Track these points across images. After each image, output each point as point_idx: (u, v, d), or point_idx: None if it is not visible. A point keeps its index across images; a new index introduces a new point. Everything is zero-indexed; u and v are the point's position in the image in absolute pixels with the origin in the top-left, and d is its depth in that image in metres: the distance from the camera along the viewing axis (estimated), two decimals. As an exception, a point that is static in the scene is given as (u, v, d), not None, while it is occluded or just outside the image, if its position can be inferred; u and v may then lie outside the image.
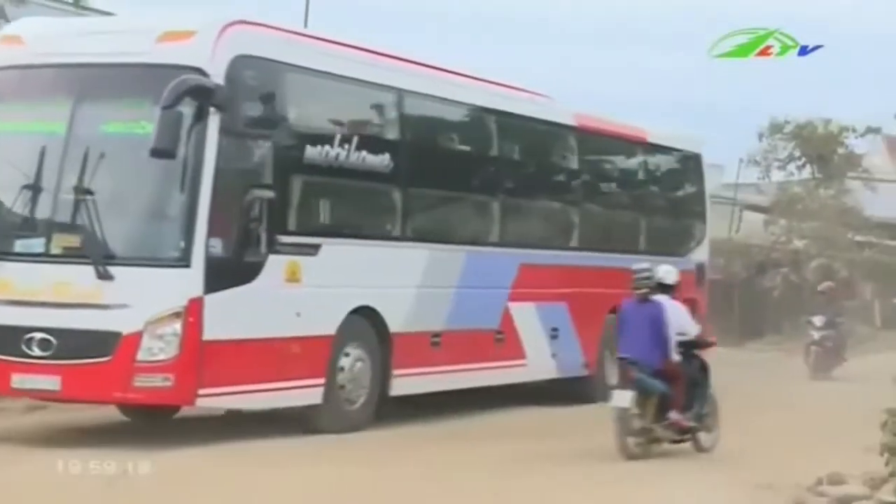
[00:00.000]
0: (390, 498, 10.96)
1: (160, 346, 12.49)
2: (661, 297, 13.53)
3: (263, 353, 13.24)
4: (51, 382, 12.68)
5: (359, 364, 14.40)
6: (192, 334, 12.51)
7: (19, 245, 13.05)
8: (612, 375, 18.61)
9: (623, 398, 12.97)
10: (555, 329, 17.69)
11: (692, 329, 13.77)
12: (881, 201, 41.19)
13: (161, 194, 13.00)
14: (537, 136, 18.29)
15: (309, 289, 13.72)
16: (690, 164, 21.60)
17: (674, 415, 13.27)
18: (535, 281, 17.19)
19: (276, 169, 13.50)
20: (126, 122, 13.03)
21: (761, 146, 40.73)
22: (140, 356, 12.48)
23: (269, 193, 13.31)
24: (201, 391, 12.71)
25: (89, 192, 12.71)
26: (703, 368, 13.75)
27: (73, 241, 12.84)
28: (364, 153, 14.56)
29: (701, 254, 21.30)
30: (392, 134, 15.44)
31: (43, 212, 13.02)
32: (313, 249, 13.86)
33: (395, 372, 14.85)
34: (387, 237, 15.19)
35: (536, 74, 66.13)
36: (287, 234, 13.55)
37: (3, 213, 13.29)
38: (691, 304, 20.11)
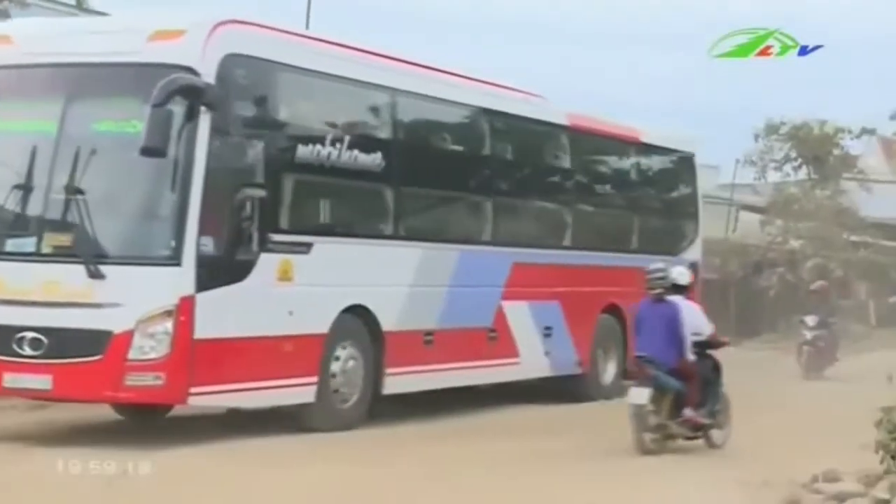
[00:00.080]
0: (393, 496, 10.86)
1: (151, 345, 12.35)
2: (676, 298, 13.70)
3: (255, 351, 13.11)
4: (42, 382, 12.55)
5: (351, 362, 14.28)
6: (184, 333, 12.38)
7: (10, 244, 12.92)
8: (606, 374, 18.83)
9: (640, 395, 13.15)
10: (548, 327, 17.55)
11: (706, 329, 13.97)
12: (876, 202, 41.32)
13: (152, 193, 12.86)
14: (530, 135, 18.16)
15: (301, 287, 13.59)
16: (683, 164, 21.46)
17: (688, 412, 13.45)
18: (528, 280, 17.07)
19: (268, 168, 13.38)
20: (117, 121, 12.90)
21: (757, 147, 40.98)
22: (131, 355, 12.35)
23: (261, 192, 13.19)
24: (193, 390, 12.57)
25: (80, 192, 12.58)
26: (716, 367, 13.99)
27: (64, 240, 12.71)
28: (356, 152, 14.43)
29: (694, 253, 21.08)
30: (384, 133, 15.32)
31: (34, 211, 12.91)
32: (305, 248, 13.73)
33: (388, 370, 14.72)
34: (379, 236, 15.05)
35: (535, 75, 66.21)
36: (279, 232, 13.42)
37: (-6, 212, 13.15)
38: (684, 303, 20.18)
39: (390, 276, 14.90)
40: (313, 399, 13.81)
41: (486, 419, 15.98)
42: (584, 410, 17.42)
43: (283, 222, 13.61)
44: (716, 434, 13.82)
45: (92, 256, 12.45)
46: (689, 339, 13.54)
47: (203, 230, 12.50)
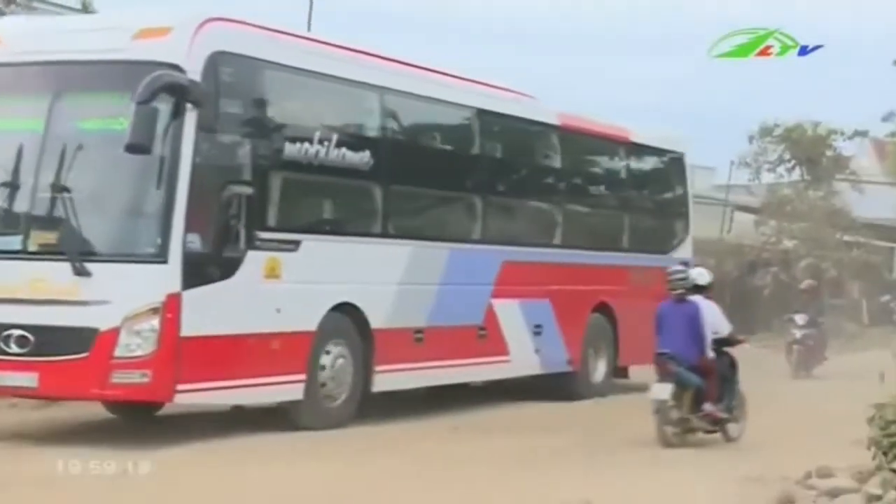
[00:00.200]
0: (386, 493, 10.66)
1: (138, 343, 12.11)
2: (696, 297, 14.03)
3: (243, 349, 12.88)
4: (28, 379, 12.29)
5: (340, 360, 14.05)
6: (170, 330, 12.14)
7: (-4, 242, 12.65)
8: (597, 372, 18.63)
9: (662, 391, 13.48)
10: (538, 325, 17.30)
11: (725, 327, 14.34)
12: (868, 202, 41.28)
13: (138, 191, 12.59)
14: (520, 134, 17.92)
15: (289, 285, 13.35)
16: (674, 164, 21.19)
17: (708, 406, 13.74)
18: (518, 278, 16.83)
19: (255, 165, 13.16)
20: (103, 118, 12.66)
21: (752, 149, 40.97)
22: (117, 352, 12.11)
23: (248, 190, 12.96)
24: (179, 387, 12.34)
25: (67, 189, 12.37)
26: (733, 364, 14.35)
27: (51, 237, 12.49)
28: (345, 150, 14.20)
29: (684, 252, 20.79)
30: (373, 131, 15.09)
31: (20, 209, 12.68)
32: (293, 246, 13.49)
33: (378, 368, 14.50)
34: (368, 234, 14.81)
35: (534, 77, 66.02)
36: (266, 230, 13.18)
37: (-19, 210, 12.90)
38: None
39: (379, 274, 14.66)
40: (302, 397, 13.58)
41: (477, 417, 15.76)
42: (576, 408, 17.25)
43: (271, 220, 13.37)
44: (732, 428, 14.13)
45: (78, 254, 12.21)
46: (709, 337, 13.85)
47: (189, 227, 12.26)
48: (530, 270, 17.15)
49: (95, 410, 14.23)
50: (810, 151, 40.44)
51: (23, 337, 12.25)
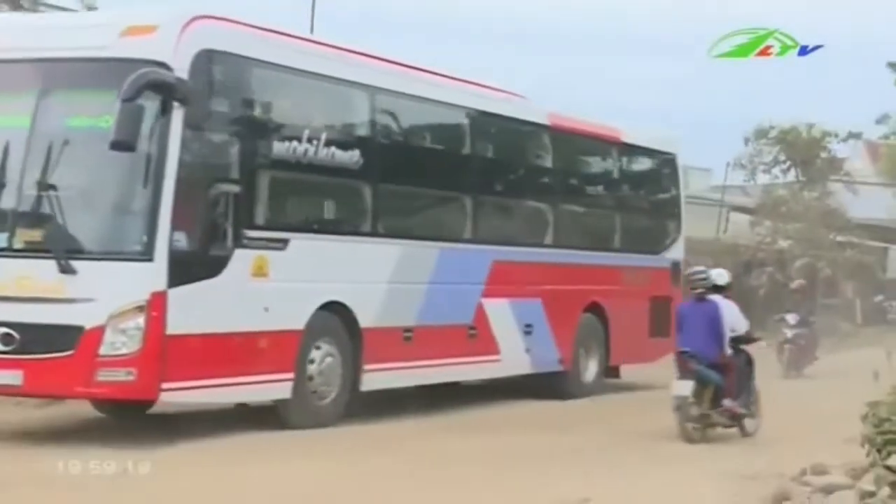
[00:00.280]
0: (378, 492, 10.49)
1: (123, 341, 11.88)
2: (715, 297, 14.26)
3: (230, 347, 12.65)
4: (13, 377, 12.04)
5: (329, 359, 13.84)
6: (156, 328, 11.91)
7: (-18, 240, 12.42)
8: (588, 371, 18.45)
9: (683, 387, 13.68)
10: (529, 325, 17.07)
11: (742, 326, 14.53)
12: (862, 203, 41.67)
13: (124, 188, 12.37)
14: (511, 134, 17.69)
15: (277, 283, 13.13)
16: (666, 164, 20.94)
17: (727, 402, 13.99)
18: (508, 277, 16.61)
19: (243, 164, 12.94)
20: (90, 116, 12.42)
21: (747, 150, 41.29)
22: (103, 350, 11.88)
23: (235, 188, 12.76)
24: (165, 385, 12.11)
25: (53, 187, 12.13)
26: (749, 361, 14.60)
27: (36, 235, 12.24)
28: (333, 149, 13.97)
29: (676, 252, 20.65)
30: (363, 130, 14.86)
31: (6, 206, 12.40)
32: (281, 244, 13.27)
33: (367, 367, 14.28)
34: (357, 233, 14.59)
35: (532, 78, 65.87)
36: (254, 228, 12.97)
37: (-34, 208, 12.67)
38: (666, 302, 19.75)
39: (369, 273, 14.44)
40: (289, 395, 13.37)
41: (468, 416, 15.59)
42: (569, 407, 17.08)
43: (259, 218, 13.15)
44: (749, 423, 14.36)
45: (64, 251, 11.98)
46: (728, 336, 14.08)
47: (176, 226, 12.05)
48: (521, 270, 16.93)
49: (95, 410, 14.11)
50: (805, 153, 40.69)
51: (8, 335, 12.01)
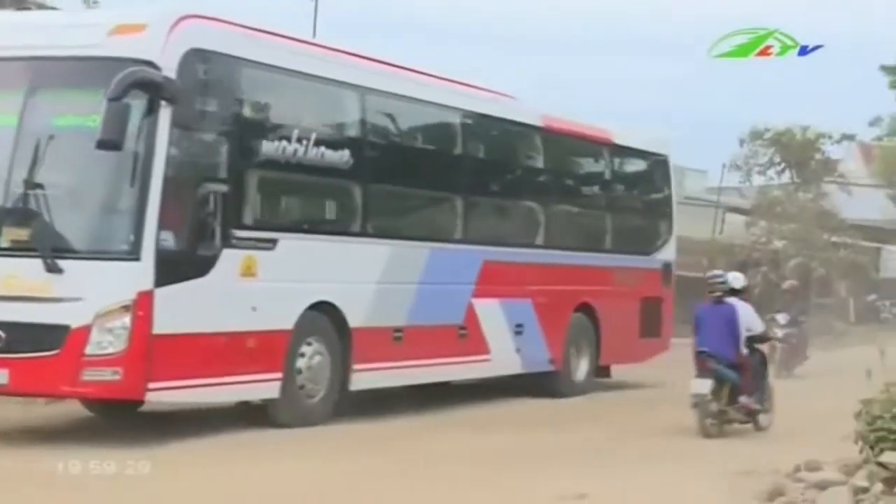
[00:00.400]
0: (370, 492, 10.29)
1: (109, 340, 11.65)
2: (732, 299, 14.67)
3: (217, 347, 12.42)
4: None
5: (317, 358, 13.63)
6: (142, 328, 11.68)
7: (-31, 239, 12.21)
8: (578, 371, 18.24)
9: (702, 386, 13.98)
10: (519, 325, 16.86)
11: (758, 326, 15.10)
12: (856, 204, 41.58)
13: (112, 187, 12.13)
14: (502, 135, 17.47)
15: (265, 283, 12.90)
16: (657, 166, 20.72)
17: (744, 399, 14.36)
18: (499, 278, 16.39)
19: (231, 163, 12.70)
20: (77, 115, 12.17)
21: (743, 152, 41.36)
22: (89, 350, 11.64)
23: (223, 188, 12.53)
24: (151, 385, 11.88)
25: (40, 186, 11.90)
26: (763, 360, 15.18)
27: (23, 234, 11.99)
28: (323, 149, 13.72)
29: (668, 253, 20.46)
30: (352, 131, 14.61)
31: (-7, 205, 12.20)
32: (270, 244, 13.03)
33: (356, 367, 14.06)
34: (347, 233, 14.34)
35: (530, 80, 65.75)
36: (242, 228, 12.74)
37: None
38: (657, 303, 19.56)
39: (358, 273, 14.21)
40: (277, 395, 13.15)
41: (458, 415, 15.41)
42: (560, 406, 16.92)
43: (247, 218, 12.93)
44: (763, 418, 14.74)
45: (50, 250, 11.74)
46: (744, 336, 14.49)
47: (163, 225, 11.83)
48: (511, 270, 16.72)
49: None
50: (799, 155, 40.74)
51: None
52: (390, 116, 15.29)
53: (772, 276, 35.31)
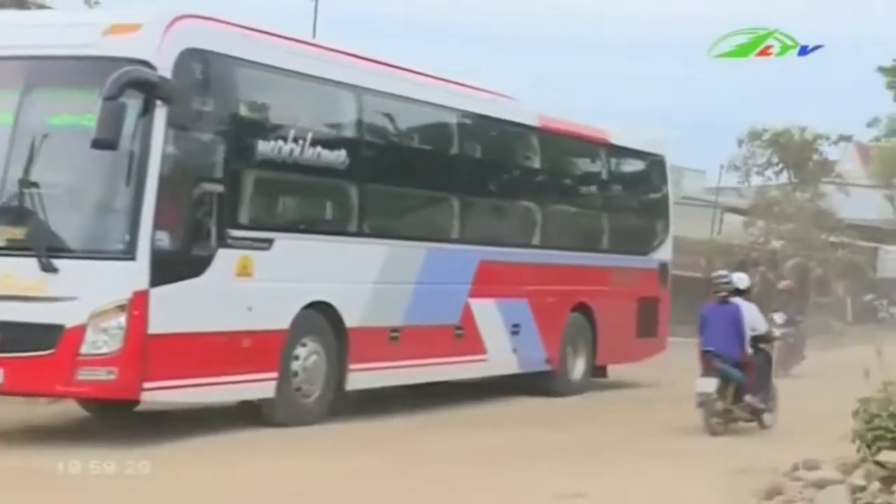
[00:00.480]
0: (369, 492, 10.22)
1: (104, 340, 11.54)
2: (737, 300, 14.80)
3: (213, 346, 12.32)
4: None
5: (314, 358, 13.53)
6: (137, 327, 11.57)
7: (-35, 238, 12.10)
8: (575, 370, 18.14)
9: (708, 384, 14.11)
10: (516, 325, 16.75)
11: (762, 326, 15.22)
12: (853, 204, 41.59)
13: (107, 187, 12.03)
14: (499, 135, 17.35)
15: (261, 283, 12.79)
16: (654, 166, 20.60)
17: (749, 398, 14.50)
18: (495, 278, 16.29)
19: (227, 163, 12.59)
20: (73, 114, 12.07)
21: (741, 153, 41.27)
22: (84, 349, 11.53)
23: (219, 187, 12.42)
24: (146, 385, 11.77)
25: (35, 185, 11.78)
26: (768, 360, 15.24)
27: (18, 233, 11.87)
28: (319, 149, 13.61)
29: (664, 253, 20.36)
30: (349, 131, 14.50)
31: (-12, 204, 12.09)
32: (266, 244, 12.94)
33: (352, 366, 13.97)
34: (344, 233, 14.24)
35: (530, 81, 65.64)
36: (238, 228, 12.63)
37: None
38: (654, 303, 19.46)
39: (355, 273, 14.11)
40: (273, 394, 13.04)
41: (454, 414, 15.34)
42: (557, 405, 16.84)
43: (243, 218, 12.82)
44: (767, 417, 14.89)
45: (45, 250, 11.63)
46: (749, 336, 14.55)
47: (158, 225, 11.72)
48: (508, 270, 16.62)
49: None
50: (797, 155, 40.68)
51: None
52: (387, 116, 15.18)
53: (769, 276, 35.28)
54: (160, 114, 11.75)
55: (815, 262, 38.03)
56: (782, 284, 26.69)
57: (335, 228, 14.31)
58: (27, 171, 11.79)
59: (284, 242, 13.11)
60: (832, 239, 39.75)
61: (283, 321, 13.07)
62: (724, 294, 14.71)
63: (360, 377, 14.07)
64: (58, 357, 11.54)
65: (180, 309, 11.90)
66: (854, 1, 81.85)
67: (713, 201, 40.18)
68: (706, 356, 14.39)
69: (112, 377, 11.55)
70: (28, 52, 12.23)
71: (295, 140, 13.28)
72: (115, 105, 11.45)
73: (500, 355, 16.47)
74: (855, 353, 20.44)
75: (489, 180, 16.93)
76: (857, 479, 9.48)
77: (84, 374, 11.56)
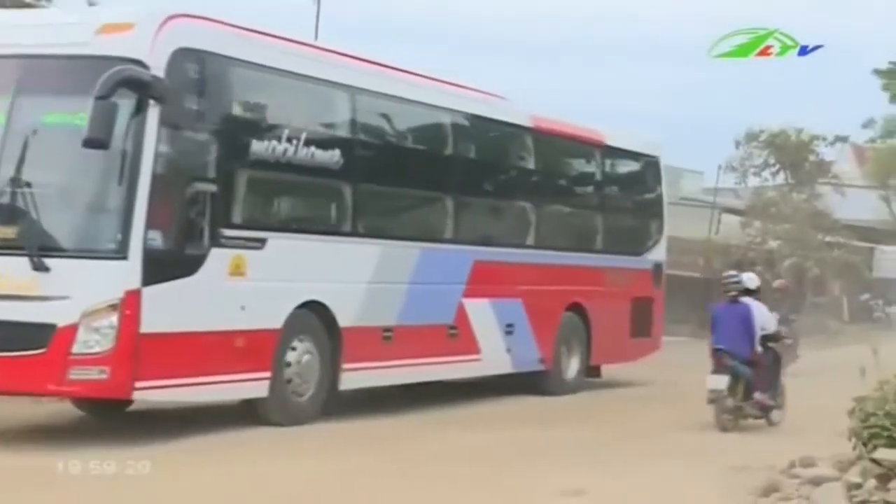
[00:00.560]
0: (364, 491, 10.14)
1: (96, 339, 11.44)
2: (747, 299, 15.03)
3: (205, 346, 12.22)
4: None
5: (307, 357, 13.43)
6: (129, 327, 11.48)
7: (-44, 237, 12.01)
8: (569, 370, 18.07)
9: (719, 382, 14.34)
10: (510, 325, 16.67)
11: (771, 325, 15.49)
12: (849, 205, 41.78)
13: (99, 186, 11.93)
14: (492, 135, 17.25)
15: (254, 282, 12.71)
16: (648, 167, 20.52)
17: (758, 395, 14.73)
18: (489, 278, 16.21)
19: (220, 162, 12.50)
20: (65, 113, 11.98)
21: (738, 154, 41.32)
22: (75, 349, 11.44)
23: (212, 187, 12.33)
24: (138, 384, 11.68)
25: (27, 184, 11.70)
26: (776, 358, 15.40)
27: (10, 232, 11.77)
28: (313, 149, 13.51)
29: (658, 254, 20.29)
30: (342, 130, 14.40)
31: (-21, 203, 12.00)
32: (259, 243, 12.85)
33: (345, 366, 13.87)
34: (337, 233, 14.16)
35: (528, 83, 65.57)
36: (231, 227, 12.55)
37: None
38: (648, 303, 19.38)
39: (348, 272, 14.01)
40: (266, 394, 12.95)
41: (449, 413, 15.23)
42: (552, 403, 16.77)
43: (236, 217, 12.73)
44: (775, 414, 15.07)
45: (37, 249, 11.53)
46: (759, 334, 14.78)
47: (151, 224, 11.63)
48: (502, 270, 16.54)
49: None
50: (794, 156, 40.71)
51: None
52: (381, 116, 15.09)
53: (766, 276, 35.23)
54: (153, 113, 11.66)
55: (811, 263, 38.15)
56: (776, 283, 26.52)
57: (329, 228, 14.20)
58: (19, 170, 11.73)
59: (277, 242, 13.02)
60: (828, 239, 39.82)
61: (276, 321, 12.98)
62: (734, 294, 14.91)
63: (354, 377, 13.98)
64: (49, 356, 11.43)
65: (173, 308, 11.81)
66: (854, 1, 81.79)
67: (711, 202, 40.24)
68: (717, 354, 14.59)
69: (104, 376, 11.46)
70: (20, 52, 12.13)
71: (288, 140, 13.19)
72: (107, 104, 11.36)
73: (494, 355, 16.39)
74: (851, 352, 20.35)
75: (483, 180, 16.86)
76: (854, 476, 9.48)
77: (76, 374, 11.46)
